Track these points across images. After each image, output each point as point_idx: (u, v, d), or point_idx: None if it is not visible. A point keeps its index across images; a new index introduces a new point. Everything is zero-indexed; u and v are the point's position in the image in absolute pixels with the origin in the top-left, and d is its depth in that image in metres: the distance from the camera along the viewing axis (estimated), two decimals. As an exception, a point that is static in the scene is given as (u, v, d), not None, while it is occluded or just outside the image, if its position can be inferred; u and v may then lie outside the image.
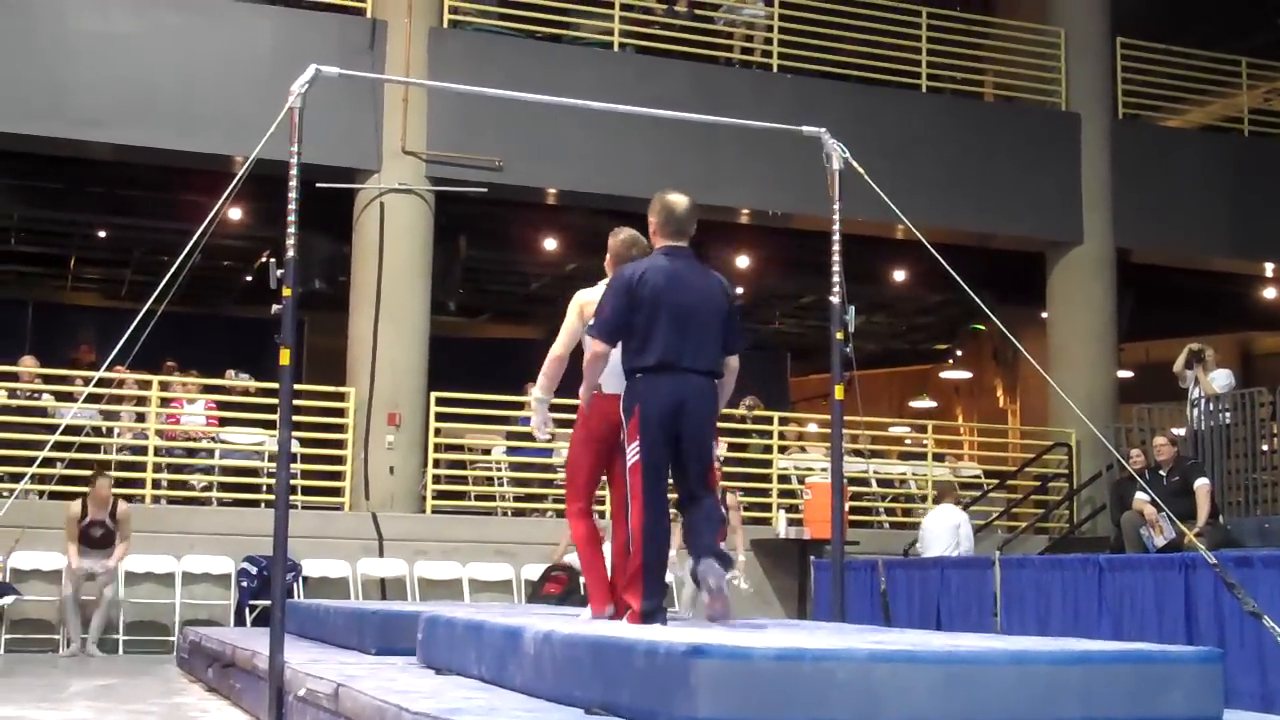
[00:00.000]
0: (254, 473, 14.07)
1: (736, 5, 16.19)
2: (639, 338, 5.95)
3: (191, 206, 13.89)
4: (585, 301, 6.45)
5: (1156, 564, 9.09)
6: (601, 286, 6.37)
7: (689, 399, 5.93)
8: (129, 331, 7.00)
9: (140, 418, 13.99)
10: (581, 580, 11.50)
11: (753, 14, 16.18)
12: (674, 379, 5.92)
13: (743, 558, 11.83)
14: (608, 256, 6.56)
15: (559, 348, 6.49)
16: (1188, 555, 8.87)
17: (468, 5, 15.05)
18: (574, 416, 6.55)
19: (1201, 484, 12.02)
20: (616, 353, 6.11)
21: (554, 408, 6.71)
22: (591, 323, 6.14)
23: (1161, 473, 12.35)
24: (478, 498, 14.72)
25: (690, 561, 5.79)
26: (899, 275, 18.86)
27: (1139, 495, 12.05)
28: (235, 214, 15.79)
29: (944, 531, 13.34)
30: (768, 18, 16.12)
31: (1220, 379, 13.92)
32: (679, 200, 6.22)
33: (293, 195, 6.63)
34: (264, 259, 17.89)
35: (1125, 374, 19.04)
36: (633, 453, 5.91)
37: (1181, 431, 14.24)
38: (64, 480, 12.93)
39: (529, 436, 14.46)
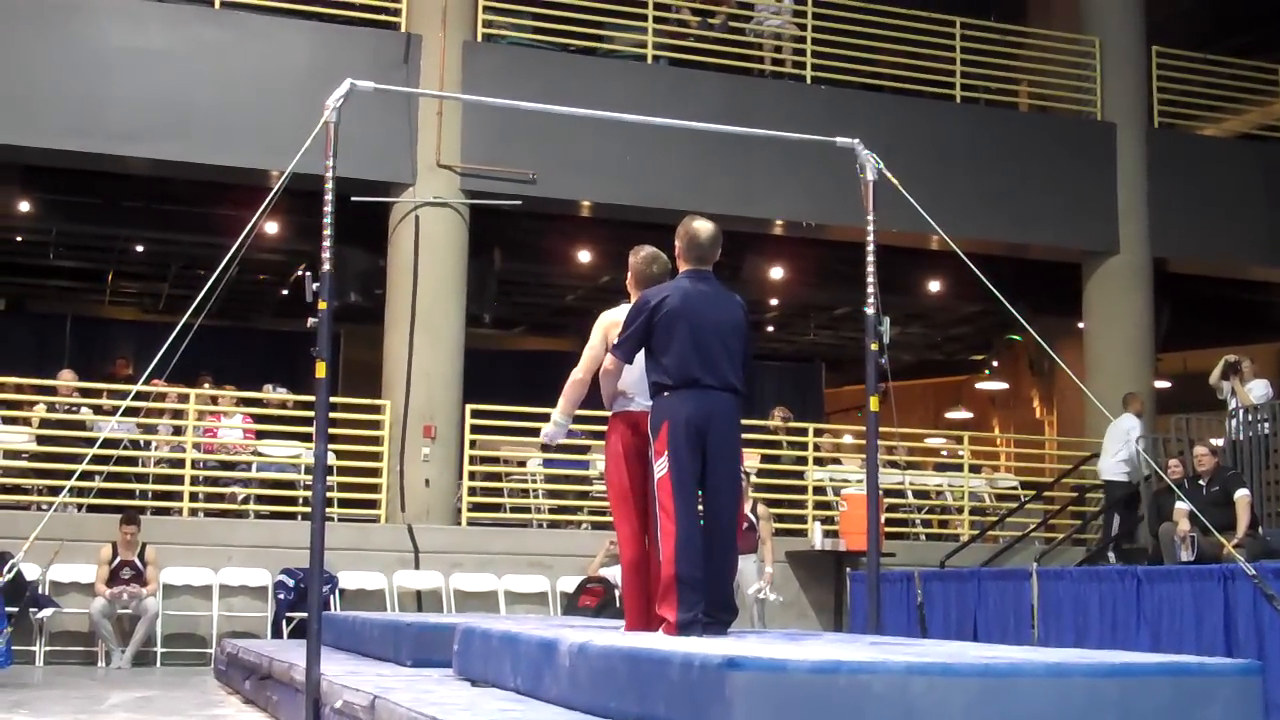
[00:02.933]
0: (290, 485, 14.12)
1: (764, 15, 16.19)
2: (664, 356, 6.12)
3: (228, 221, 13.98)
4: (610, 323, 6.56)
5: (1195, 575, 9.04)
6: (624, 307, 6.52)
7: (715, 414, 6.10)
8: (166, 345, 7.04)
9: (178, 431, 14.06)
10: (617, 592, 11.52)
11: (779, 23, 16.16)
12: (700, 395, 6.08)
13: (770, 569, 11.80)
14: (628, 274, 6.65)
15: (580, 371, 6.64)
16: (1227, 567, 8.81)
17: (502, 19, 15.10)
18: (605, 429, 6.61)
19: (1241, 495, 11.94)
20: (642, 367, 6.25)
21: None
22: (615, 342, 6.28)
23: (1201, 483, 12.26)
24: (513, 510, 14.72)
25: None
26: (934, 286, 18.81)
27: (1179, 505, 11.97)
28: (271, 228, 15.89)
29: (1116, 436, 14.59)
30: (796, 27, 16.12)
31: (1258, 389, 13.82)
32: (703, 228, 6.36)
33: (328, 209, 6.65)
34: (300, 272, 17.98)
35: (1163, 384, 18.93)
36: (661, 467, 6.05)
37: (1220, 442, 14.14)
38: (102, 494, 13.01)
39: (564, 449, 14.58)
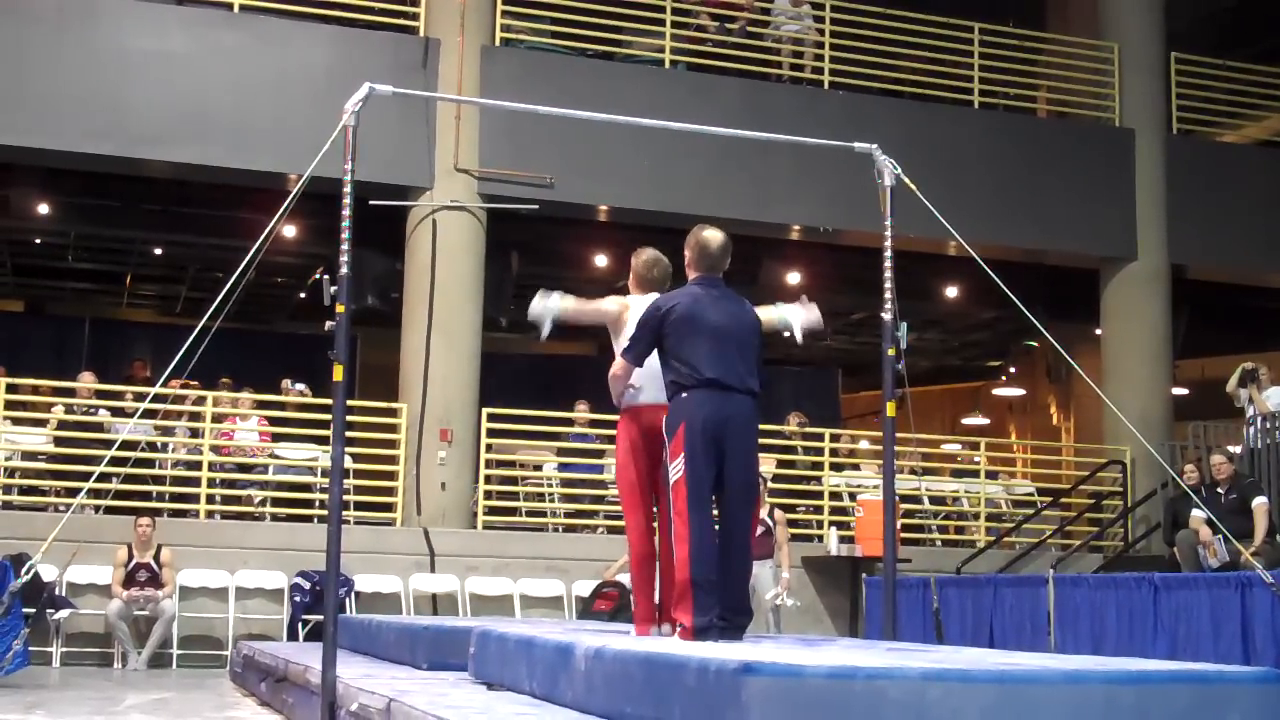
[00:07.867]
0: (307, 488, 14.14)
1: (782, 21, 16.18)
2: (681, 357, 6.08)
3: (246, 224, 14.03)
4: (626, 305, 6.56)
5: (1212, 583, 9.02)
6: (649, 296, 6.54)
7: (733, 415, 6.05)
8: (184, 347, 7.07)
9: (195, 433, 14.09)
10: (632, 597, 11.51)
11: (797, 29, 16.15)
12: (718, 396, 6.03)
13: (787, 575, 11.77)
14: (630, 276, 6.67)
15: (596, 305, 6.77)
16: (1244, 574, 8.79)
17: (520, 23, 15.11)
18: (614, 431, 6.63)
19: (1259, 502, 11.89)
20: (654, 360, 6.25)
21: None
22: (626, 346, 6.26)
23: (1219, 490, 12.22)
24: (529, 513, 14.73)
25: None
26: (951, 292, 18.78)
27: (1195, 513, 11.93)
28: (289, 231, 15.92)
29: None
30: (814, 33, 16.10)
31: (1275, 397, 13.75)
32: (713, 237, 6.34)
33: (346, 212, 6.67)
34: (318, 276, 17.99)
35: (1180, 391, 18.87)
36: (676, 469, 6.00)
37: (1238, 449, 14.09)
38: (119, 495, 13.05)
39: (580, 452, 14.59)
